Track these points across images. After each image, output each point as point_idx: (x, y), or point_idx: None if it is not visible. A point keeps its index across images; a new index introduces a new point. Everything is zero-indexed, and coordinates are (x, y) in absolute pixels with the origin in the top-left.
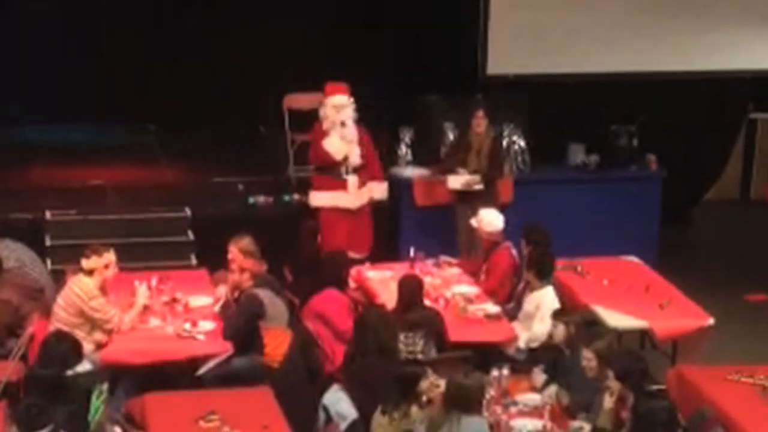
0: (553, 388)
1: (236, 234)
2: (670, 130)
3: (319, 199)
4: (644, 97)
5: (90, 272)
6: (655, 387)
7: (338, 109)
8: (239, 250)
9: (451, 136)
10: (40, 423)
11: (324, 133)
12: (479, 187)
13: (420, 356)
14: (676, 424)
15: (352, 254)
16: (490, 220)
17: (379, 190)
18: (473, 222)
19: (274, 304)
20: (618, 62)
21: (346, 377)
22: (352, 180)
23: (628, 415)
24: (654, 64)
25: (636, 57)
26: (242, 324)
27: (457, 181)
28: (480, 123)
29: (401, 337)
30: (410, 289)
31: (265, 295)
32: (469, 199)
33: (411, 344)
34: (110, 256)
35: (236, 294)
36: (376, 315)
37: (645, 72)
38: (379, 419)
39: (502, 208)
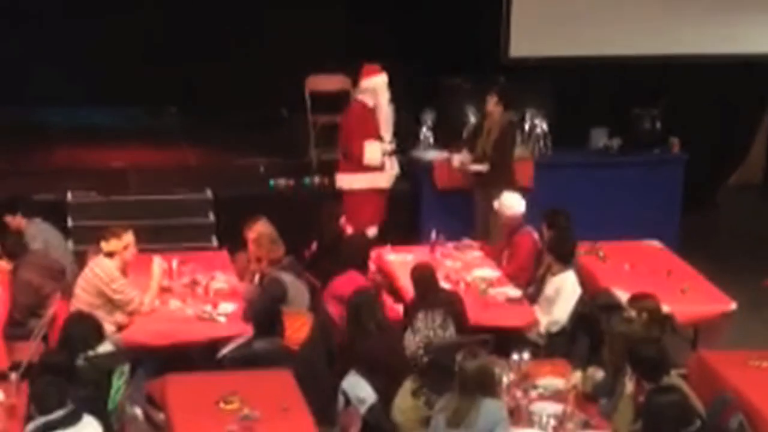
0: (578, 374)
1: (253, 217)
2: (694, 113)
3: (353, 181)
4: (667, 80)
5: (110, 254)
6: (675, 372)
7: (383, 87)
8: (257, 234)
9: (473, 119)
10: (57, 403)
11: (366, 119)
12: (477, 168)
13: (438, 332)
14: (687, 419)
15: (371, 229)
16: (510, 203)
17: (396, 164)
18: (495, 204)
19: (296, 287)
20: (641, 45)
21: (353, 362)
22: (389, 162)
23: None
24: (677, 46)
25: (659, 39)
26: (264, 307)
27: (457, 160)
28: (493, 109)
29: (420, 315)
30: (423, 279)
31: (287, 278)
32: (484, 183)
33: (430, 321)
34: (129, 237)
35: (258, 276)
36: (364, 294)
37: (668, 55)
38: (401, 403)
39: (522, 192)
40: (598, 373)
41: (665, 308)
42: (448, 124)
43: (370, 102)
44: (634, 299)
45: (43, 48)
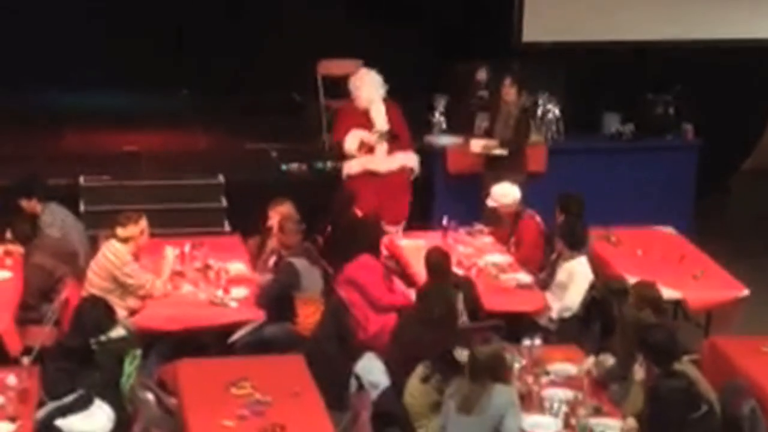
0: (591, 360)
1: (274, 199)
2: (707, 99)
3: (350, 166)
4: (681, 65)
5: (125, 239)
6: (687, 358)
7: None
8: (280, 215)
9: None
10: (67, 388)
11: (352, 112)
12: (499, 152)
13: None
14: (694, 404)
15: (385, 226)
16: (504, 192)
17: (409, 158)
18: (489, 202)
19: (309, 273)
20: (655, 30)
21: (395, 338)
22: (381, 146)
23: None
24: (691, 32)
25: (672, 25)
26: (277, 292)
27: (478, 144)
28: (509, 92)
29: None
30: (437, 262)
31: (301, 264)
32: (496, 168)
33: None
34: (144, 223)
35: (273, 259)
36: (445, 288)
37: (681, 40)
38: (412, 388)
39: (534, 177)
40: (609, 360)
41: (677, 294)
42: (460, 109)
43: (355, 94)
44: (633, 288)
45: (54, 31)
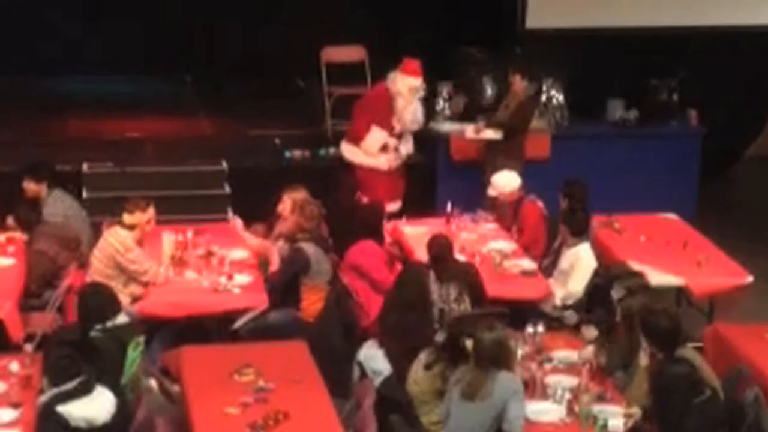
0: (590, 348)
1: (289, 184)
2: (711, 85)
3: (353, 154)
4: (685, 51)
5: (131, 226)
6: (691, 344)
7: (413, 91)
8: (293, 201)
9: (489, 90)
10: (69, 375)
11: (383, 105)
12: (492, 134)
13: (453, 305)
14: (698, 389)
15: (389, 205)
16: (505, 181)
17: (409, 145)
18: (490, 191)
19: (319, 260)
20: (658, 16)
21: (382, 331)
22: (393, 148)
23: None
24: (695, 18)
25: (677, 11)
26: (284, 276)
27: (470, 129)
28: (512, 80)
29: (434, 288)
30: (439, 249)
31: (311, 250)
32: (495, 153)
33: (444, 294)
34: (151, 211)
35: (280, 244)
36: (416, 271)
37: (686, 26)
38: (415, 375)
39: (536, 164)
40: (591, 331)
41: (680, 281)
42: (464, 95)
43: (400, 100)
44: (621, 278)
45: (58, 17)
